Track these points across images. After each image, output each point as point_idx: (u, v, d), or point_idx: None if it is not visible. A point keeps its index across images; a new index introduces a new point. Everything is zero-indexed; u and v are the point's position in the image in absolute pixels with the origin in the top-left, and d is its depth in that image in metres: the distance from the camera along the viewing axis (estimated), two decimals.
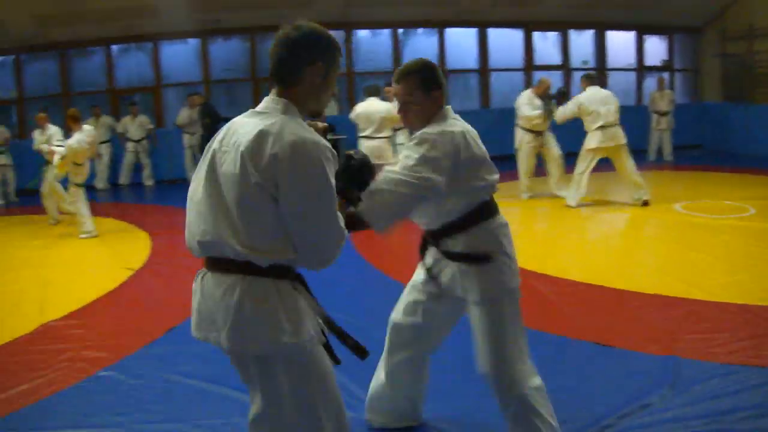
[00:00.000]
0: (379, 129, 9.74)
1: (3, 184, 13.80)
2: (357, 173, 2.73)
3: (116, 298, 6.53)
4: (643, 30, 17.29)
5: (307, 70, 2.40)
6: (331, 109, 15.74)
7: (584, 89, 9.96)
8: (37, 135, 10.78)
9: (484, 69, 16.82)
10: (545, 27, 16.76)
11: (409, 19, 15.90)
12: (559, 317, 5.38)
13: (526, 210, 10.37)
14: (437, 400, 3.77)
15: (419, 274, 3.37)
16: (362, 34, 16.38)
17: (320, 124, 2.61)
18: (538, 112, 10.30)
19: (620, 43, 17.38)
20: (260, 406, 2.45)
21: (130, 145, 14.99)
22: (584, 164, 9.80)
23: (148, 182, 15.21)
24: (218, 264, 2.35)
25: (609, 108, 9.57)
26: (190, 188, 2.46)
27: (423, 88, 3.07)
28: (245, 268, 2.29)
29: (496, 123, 14.00)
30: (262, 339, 2.30)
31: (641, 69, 17.56)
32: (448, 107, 3.17)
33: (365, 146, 9.64)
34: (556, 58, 17.05)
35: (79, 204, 9.40)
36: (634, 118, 14.26)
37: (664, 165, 14.59)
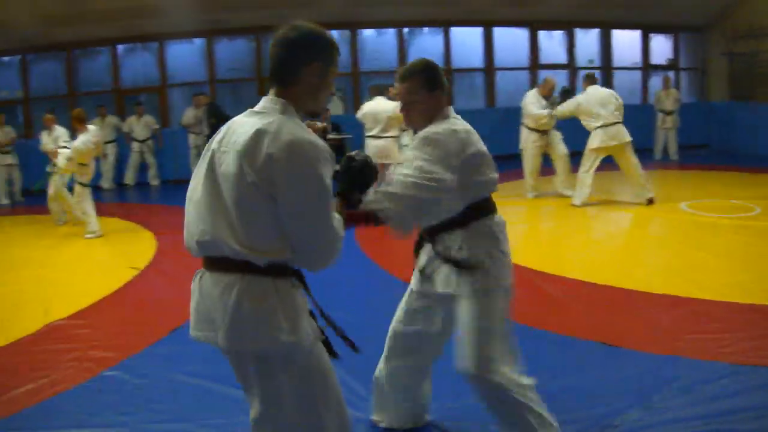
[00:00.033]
0: (385, 128, 9.73)
1: (9, 184, 13.85)
2: (358, 175, 2.71)
3: (121, 297, 6.53)
4: (648, 29, 17.25)
5: (305, 70, 2.40)
6: (337, 109, 15.75)
7: (585, 89, 9.97)
8: (44, 136, 10.79)
9: (489, 68, 16.79)
10: (551, 26, 16.74)
11: (414, 18, 15.89)
12: (564, 316, 5.37)
13: (531, 209, 10.37)
14: (442, 399, 3.76)
15: (415, 280, 3.38)
16: (367, 33, 16.37)
17: (318, 124, 2.60)
18: (546, 111, 10.30)
19: (626, 42, 17.33)
20: (260, 407, 2.44)
21: (135, 145, 15.02)
22: (588, 164, 9.79)
23: (154, 182, 15.24)
24: (216, 263, 2.35)
25: (609, 107, 9.55)
26: (189, 188, 2.47)
27: (426, 88, 3.12)
28: (243, 267, 2.28)
29: (502, 122, 14.00)
30: (260, 338, 2.29)
31: (647, 68, 17.51)
32: (450, 107, 3.20)
33: (372, 146, 9.64)
34: (561, 57, 17.02)
35: (85, 203, 9.41)
36: (639, 117, 14.24)
37: (669, 164, 14.56)
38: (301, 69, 2.39)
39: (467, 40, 16.66)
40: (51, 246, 9.12)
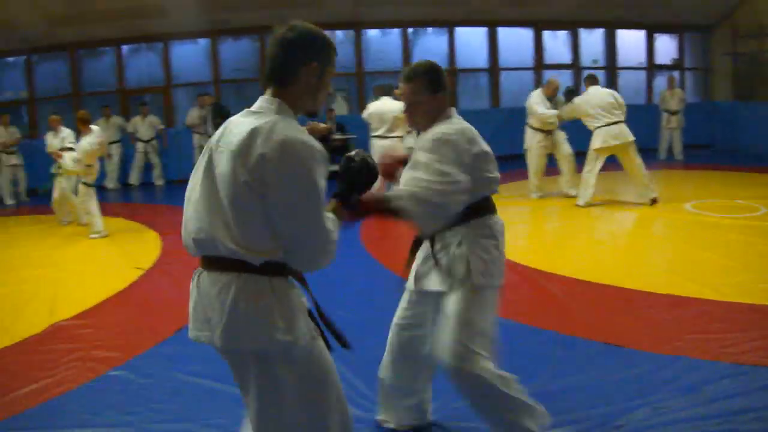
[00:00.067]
0: (391, 128, 9.74)
1: (13, 184, 13.90)
2: (357, 175, 2.68)
3: (126, 298, 6.55)
4: (653, 29, 17.24)
5: (302, 70, 2.41)
6: (341, 109, 15.77)
7: (587, 89, 9.97)
8: (50, 137, 10.73)
9: (494, 68, 16.80)
10: (555, 26, 16.74)
11: (418, 18, 15.91)
12: (569, 316, 5.37)
13: (536, 209, 10.36)
14: (446, 399, 3.76)
15: (412, 278, 3.41)
16: (372, 33, 16.39)
17: (322, 125, 2.61)
18: (553, 111, 10.28)
19: (630, 41, 17.34)
20: (258, 406, 2.43)
21: (139, 145, 15.07)
22: (591, 164, 9.78)
23: (158, 182, 15.28)
24: (214, 263, 2.36)
25: (609, 107, 9.54)
26: (188, 186, 2.49)
27: (429, 90, 3.20)
28: (240, 266, 2.29)
29: (506, 122, 14.01)
30: (256, 336, 2.30)
31: (651, 68, 17.51)
32: (452, 108, 3.29)
33: (378, 146, 9.64)
34: (566, 57, 17.02)
35: (89, 203, 9.43)
36: (644, 116, 14.24)
37: (674, 164, 14.54)
38: (299, 69, 2.40)
39: (472, 41, 16.68)
40: (56, 246, 9.15)
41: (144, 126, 15.02)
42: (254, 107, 2.44)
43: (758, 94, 15.65)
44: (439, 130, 3.11)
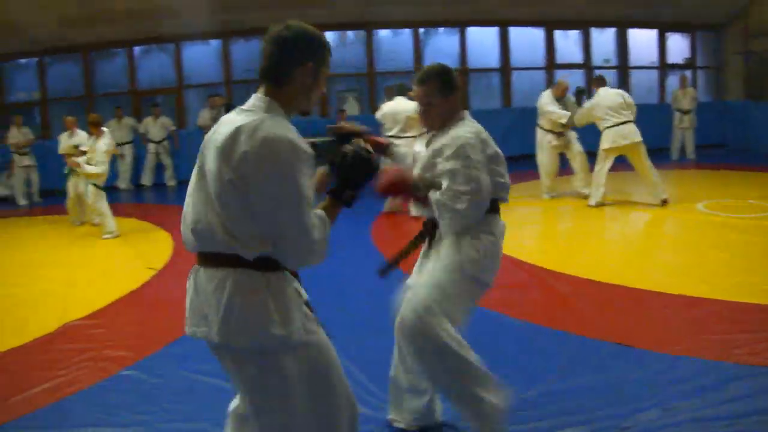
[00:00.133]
0: (405, 129, 9.74)
1: (27, 185, 13.98)
2: (350, 170, 2.58)
3: (138, 298, 6.58)
4: (665, 28, 17.17)
5: (297, 70, 2.42)
6: (353, 109, 15.78)
7: (597, 91, 9.94)
8: (63, 138, 10.76)
9: (505, 68, 16.77)
10: (566, 25, 16.69)
11: (429, 18, 15.89)
12: (580, 317, 5.36)
13: (547, 210, 10.34)
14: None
15: (413, 276, 3.49)
16: (383, 33, 16.39)
17: (381, 139, 2.60)
18: (565, 112, 10.25)
19: (642, 41, 17.26)
20: (260, 406, 2.44)
21: (151, 146, 15.12)
22: (601, 164, 9.75)
23: (170, 183, 15.32)
24: (210, 259, 2.39)
25: (618, 107, 9.52)
26: (189, 182, 2.51)
27: (442, 92, 3.28)
28: (235, 261, 2.31)
29: (518, 122, 13.98)
30: (252, 331, 2.31)
31: (663, 67, 17.44)
32: (465, 110, 3.38)
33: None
34: (577, 57, 16.98)
35: (100, 204, 9.48)
36: (656, 116, 14.19)
37: (686, 164, 14.48)
38: (293, 69, 2.41)
39: (483, 40, 16.65)
40: (68, 246, 9.21)
41: (156, 127, 15.07)
42: (246, 105, 2.44)
43: None
44: (456, 134, 3.19)
